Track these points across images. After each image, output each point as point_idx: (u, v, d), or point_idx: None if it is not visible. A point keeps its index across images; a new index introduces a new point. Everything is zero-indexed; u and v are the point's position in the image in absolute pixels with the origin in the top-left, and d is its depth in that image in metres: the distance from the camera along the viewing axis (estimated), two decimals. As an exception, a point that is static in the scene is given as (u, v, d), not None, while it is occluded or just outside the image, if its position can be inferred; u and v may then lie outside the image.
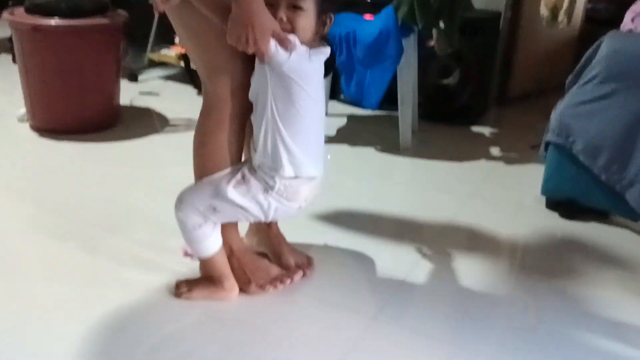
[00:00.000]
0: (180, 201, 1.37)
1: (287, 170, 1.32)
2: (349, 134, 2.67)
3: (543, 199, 2.02)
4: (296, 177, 1.33)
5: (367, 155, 2.45)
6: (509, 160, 2.42)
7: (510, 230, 1.86)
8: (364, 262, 1.65)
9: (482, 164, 2.39)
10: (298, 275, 1.53)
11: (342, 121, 2.82)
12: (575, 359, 1.32)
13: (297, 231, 1.68)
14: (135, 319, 1.37)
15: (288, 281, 1.50)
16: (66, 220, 1.79)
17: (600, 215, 1.95)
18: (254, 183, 1.34)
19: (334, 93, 2.95)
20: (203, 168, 1.38)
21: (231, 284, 1.46)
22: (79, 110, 2.48)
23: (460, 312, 1.46)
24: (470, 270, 1.63)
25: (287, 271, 1.53)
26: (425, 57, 2.64)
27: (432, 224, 1.89)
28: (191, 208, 1.36)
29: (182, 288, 1.46)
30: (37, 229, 1.74)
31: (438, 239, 1.79)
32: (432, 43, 2.47)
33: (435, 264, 1.66)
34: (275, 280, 1.49)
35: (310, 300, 1.47)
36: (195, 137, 1.40)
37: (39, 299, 1.43)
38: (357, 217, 1.92)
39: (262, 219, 1.39)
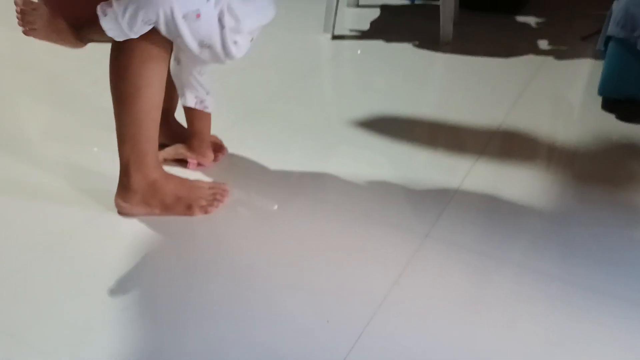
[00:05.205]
0: None
1: None
2: (382, 28, 2.48)
3: (598, 99, 1.87)
4: None
5: (404, 52, 2.27)
6: (558, 55, 2.23)
7: (565, 134, 1.73)
8: (407, 172, 1.55)
9: (529, 59, 2.21)
10: (225, 189, 1.44)
11: (375, 13, 2.61)
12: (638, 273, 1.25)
13: (328, 137, 1.57)
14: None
15: (224, 198, 1.42)
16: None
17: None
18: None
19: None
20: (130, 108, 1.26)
21: None
22: None
23: (515, 226, 1.37)
24: (524, 179, 1.53)
25: (215, 183, 1.45)
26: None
27: (478, 128, 1.76)
28: None
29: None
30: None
31: (487, 145, 1.67)
32: None
33: (486, 173, 1.55)
34: (213, 199, 1.41)
35: (356, 217, 1.39)
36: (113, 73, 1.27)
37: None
38: (394, 122, 1.79)
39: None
